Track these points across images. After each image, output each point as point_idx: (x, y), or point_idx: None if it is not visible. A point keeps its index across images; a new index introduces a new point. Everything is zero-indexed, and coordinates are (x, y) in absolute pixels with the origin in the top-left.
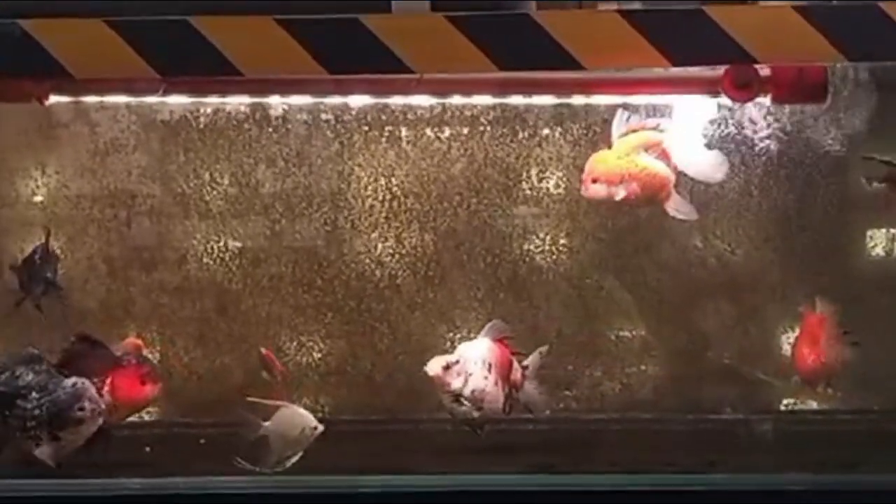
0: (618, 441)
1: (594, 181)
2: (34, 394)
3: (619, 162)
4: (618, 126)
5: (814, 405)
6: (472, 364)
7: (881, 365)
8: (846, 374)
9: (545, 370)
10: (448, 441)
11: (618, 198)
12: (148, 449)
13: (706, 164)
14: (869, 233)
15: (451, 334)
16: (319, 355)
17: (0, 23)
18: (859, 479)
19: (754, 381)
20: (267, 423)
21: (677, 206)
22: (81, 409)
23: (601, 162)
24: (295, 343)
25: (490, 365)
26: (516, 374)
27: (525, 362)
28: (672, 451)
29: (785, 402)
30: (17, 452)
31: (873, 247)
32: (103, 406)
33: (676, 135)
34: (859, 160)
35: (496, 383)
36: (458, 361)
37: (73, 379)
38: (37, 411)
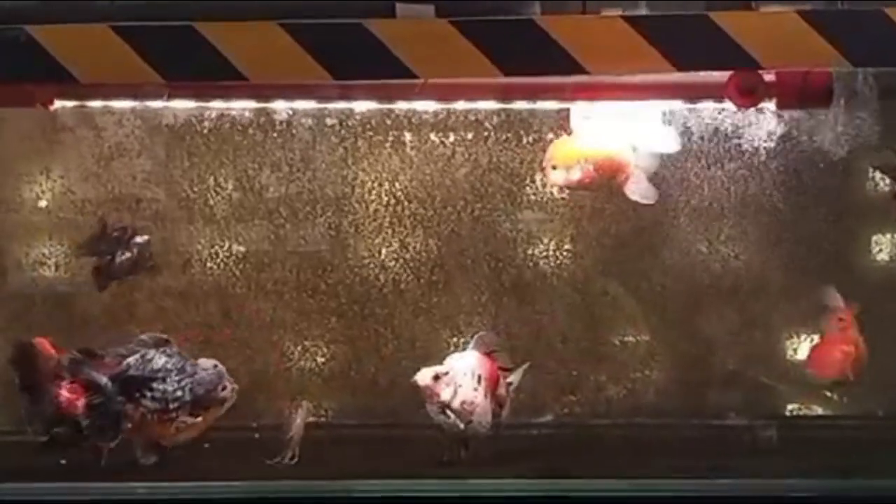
0: (622, 446)
1: (553, 168)
2: (174, 375)
3: (575, 147)
4: (576, 112)
5: (818, 410)
6: (461, 375)
7: (884, 370)
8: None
9: (550, 375)
10: (450, 446)
11: (574, 181)
12: None
13: (660, 138)
14: (874, 237)
15: (454, 339)
16: (323, 359)
17: (5, 28)
18: (863, 484)
19: (759, 386)
20: (298, 422)
21: (635, 189)
22: (224, 388)
23: (558, 148)
24: (299, 347)
25: (480, 377)
26: (502, 389)
27: (509, 378)
28: (676, 457)
29: (789, 407)
30: (147, 437)
31: (879, 251)
32: (237, 387)
33: (633, 114)
34: (866, 161)
35: (486, 396)
36: (447, 372)
37: (210, 360)
38: (179, 392)
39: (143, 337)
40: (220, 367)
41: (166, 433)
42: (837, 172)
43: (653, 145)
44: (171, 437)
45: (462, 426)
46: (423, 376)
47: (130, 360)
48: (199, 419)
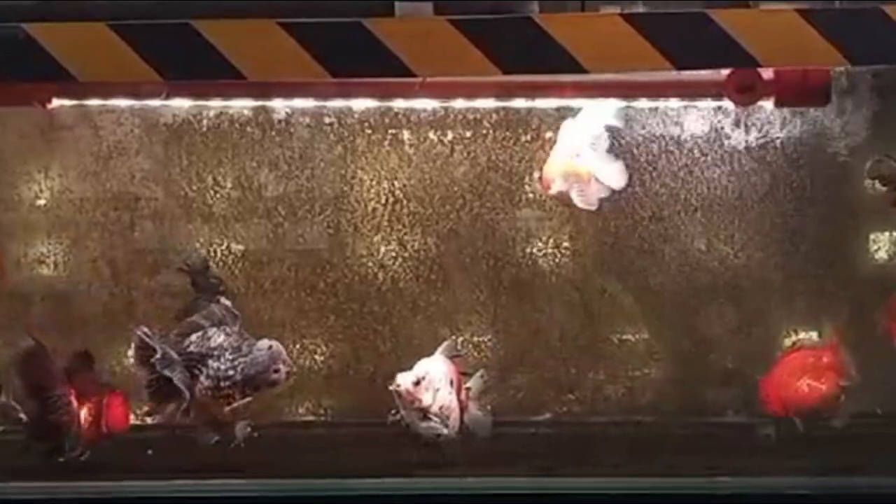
0: (621, 444)
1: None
2: (228, 354)
3: (550, 162)
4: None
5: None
6: (437, 380)
7: (882, 368)
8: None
9: (548, 374)
10: (450, 444)
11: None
12: (150, 452)
13: (613, 171)
14: (871, 237)
15: (453, 337)
16: (322, 358)
17: (3, 26)
18: (860, 482)
19: (757, 385)
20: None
21: (580, 195)
22: (277, 371)
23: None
24: (298, 346)
25: (451, 381)
26: (464, 393)
27: (468, 384)
28: (675, 455)
29: None
30: (202, 412)
31: (876, 250)
32: (293, 369)
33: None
34: (864, 161)
35: (457, 400)
36: (425, 377)
37: (267, 341)
38: (231, 372)
39: (214, 308)
40: (276, 348)
41: (219, 412)
42: (837, 171)
43: (602, 150)
44: (224, 416)
45: (442, 430)
46: (404, 381)
47: (192, 336)
48: (248, 400)
